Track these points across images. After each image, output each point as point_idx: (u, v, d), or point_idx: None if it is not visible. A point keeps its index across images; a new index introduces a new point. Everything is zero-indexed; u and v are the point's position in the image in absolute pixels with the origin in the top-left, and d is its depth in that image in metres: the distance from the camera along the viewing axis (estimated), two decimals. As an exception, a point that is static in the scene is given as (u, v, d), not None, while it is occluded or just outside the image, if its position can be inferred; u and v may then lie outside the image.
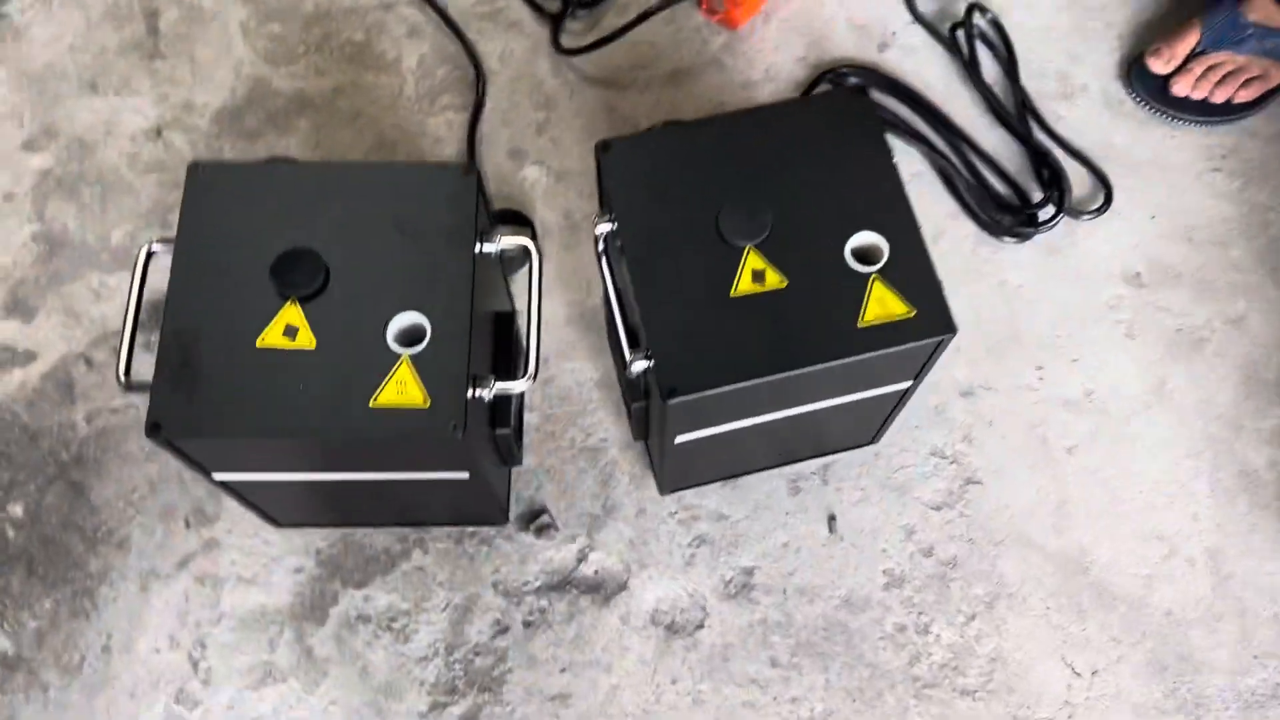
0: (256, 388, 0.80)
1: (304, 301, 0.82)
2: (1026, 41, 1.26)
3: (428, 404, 0.80)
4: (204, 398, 0.79)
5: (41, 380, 1.13)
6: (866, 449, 1.10)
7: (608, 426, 1.11)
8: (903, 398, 0.96)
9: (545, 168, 1.22)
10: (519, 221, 1.18)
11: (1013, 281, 1.17)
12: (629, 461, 1.10)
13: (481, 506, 1.03)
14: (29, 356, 1.14)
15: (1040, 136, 1.22)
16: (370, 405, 0.79)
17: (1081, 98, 1.25)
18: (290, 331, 0.82)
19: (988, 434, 1.11)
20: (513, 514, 1.08)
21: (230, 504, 1.08)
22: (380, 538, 1.07)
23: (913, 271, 0.83)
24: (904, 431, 1.11)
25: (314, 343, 0.81)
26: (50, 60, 1.28)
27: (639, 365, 0.83)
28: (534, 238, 1.18)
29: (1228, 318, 1.15)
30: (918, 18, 1.29)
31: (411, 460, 0.86)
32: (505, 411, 0.95)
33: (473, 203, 0.86)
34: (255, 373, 0.80)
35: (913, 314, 0.82)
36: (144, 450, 1.10)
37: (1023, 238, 1.17)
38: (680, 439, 0.90)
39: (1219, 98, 1.21)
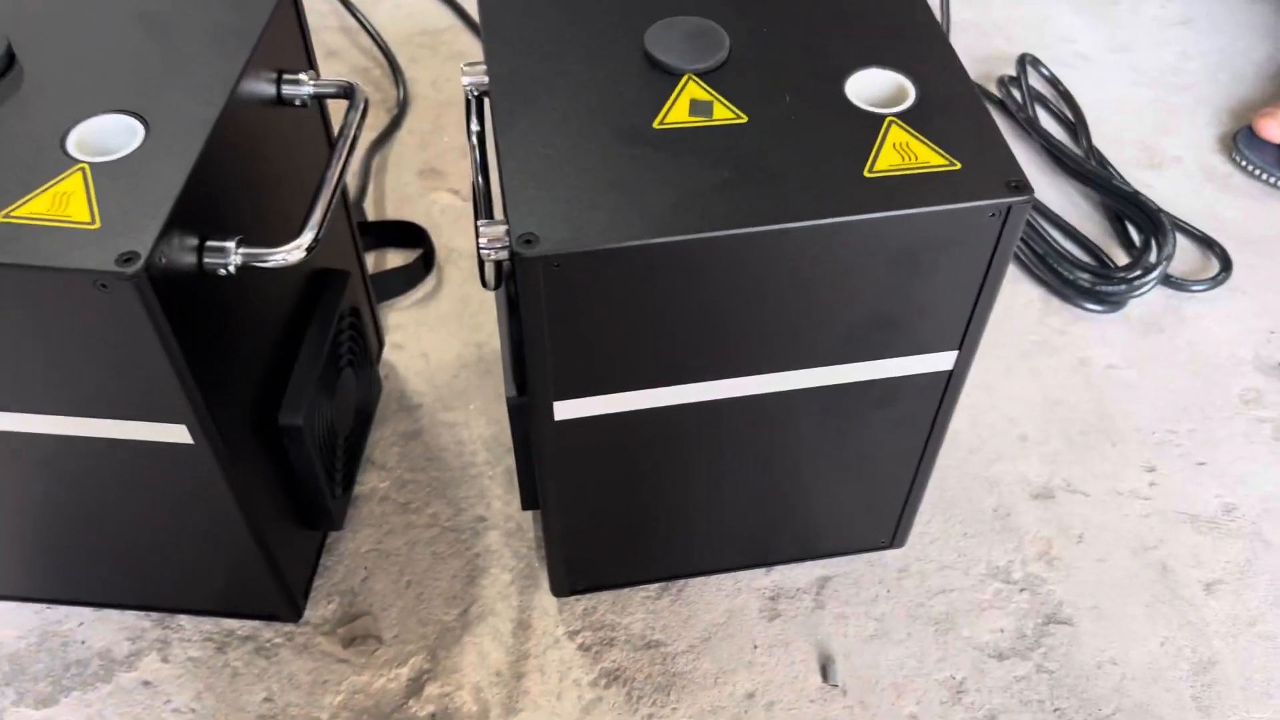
0: None
1: (-42, 92, 0.51)
2: (1096, 113, 0.99)
3: (96, 224, 0.45)
4: None
5: None
6: (885, 556, 0.70)
7: (491, 502, 0.73)
8: (940, 405, 0.58)
9: (463, 194, 0.93)
10: (412, 235, 0.87)
11: (1098, 360, 0.82)
12: (513, 553, 0.71)
13: (253, 583, 0.63)
14: None
15: (1123, 186, 0.91)
16: (-4, 218, 0.45)
17: (1174, 169, 0.96)
18: (-86, 123, 0.49)
19: (1077, 554, 0.71)
20: (314, 610, 0.68)
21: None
22: (102, 632, 0.67)
23: (955, 121, 0.50)
24: (945, 540, 0.71)
25: (-55, 137, 0.48)
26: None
27: (489, 242, 0.49)
28: (427, 263, 0.86)
29: None
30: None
31: (70, 356, 0.49)
32: (304, 400, 0.59)
33: (267, 10, 0.55)
34: None
35: (955, 166, 0.48)
36: None
37: (1110, 303, 0.84)
38: (563, 412, 0.53)
39: (1355, 168, 0.92)
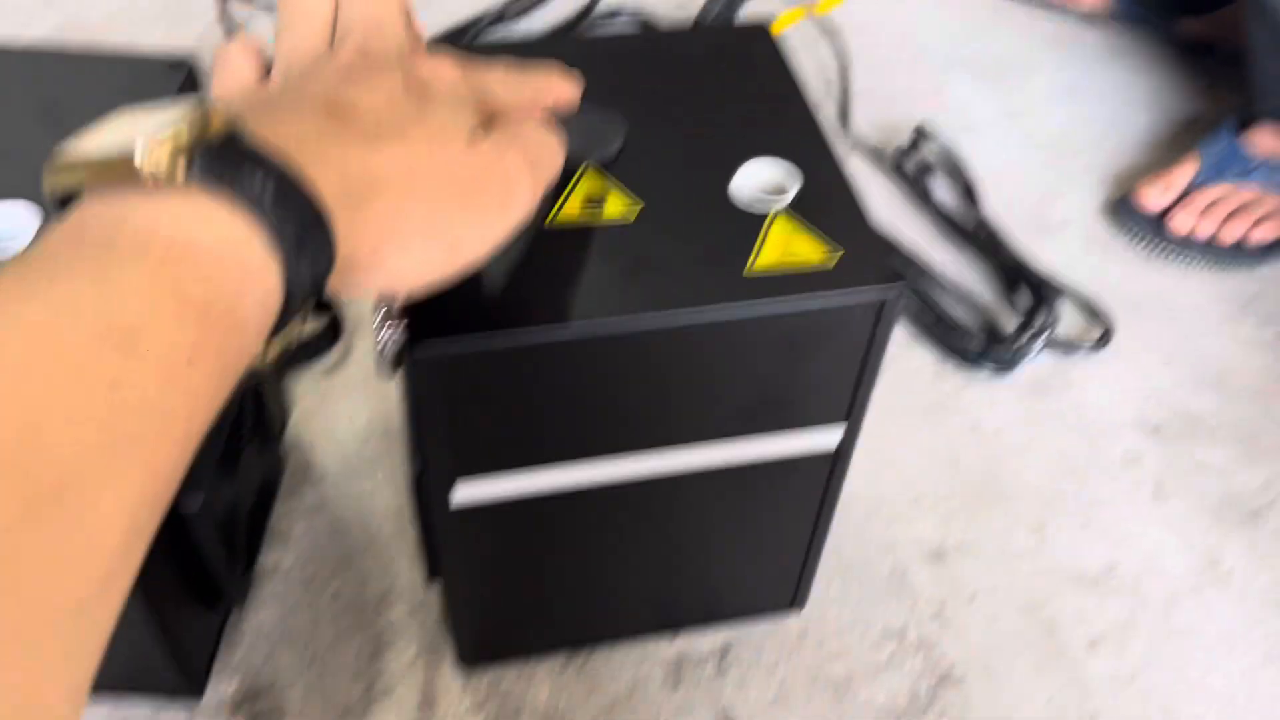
0: None
1: None
2: (990, 179, 1.04)
3: None
4: None
5: None
6: (786, 620, 0.72)
7: (397, 575, 0.74)
8: (830, 478, 0.61)
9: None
10: (318, 302, 0.88)
11: (989, 424, 0.85)
12: (420, 625, 0.71)
13: (153, 662, 0.63)
14: None
15: (1012, 253, 0.95)
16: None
17: (1061, 233, 1.01)
18: None
19: (969, 613, 0.74)
20: (215, 688, 0.67)
21: None
22: None
23: (834, 214, 0.53)
24: (844, 602, 0.74)
25: None
26: None
27: (382, 333, 0.50)
28: (334, 330, 0.87)
29: (1291, 483, 0.82)
30: (855, 143, 1.07)
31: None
32: (203, 483, 0.59)
33: (169, 98, 0.56)
34: None
35: (835, 257, 0.50)
36: None
37: (999, 366, 0.87)
38: (463, 494, 0.54)
39: (1229, 236, 0.97)
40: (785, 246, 0.51)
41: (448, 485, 0.54)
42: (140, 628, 0.59)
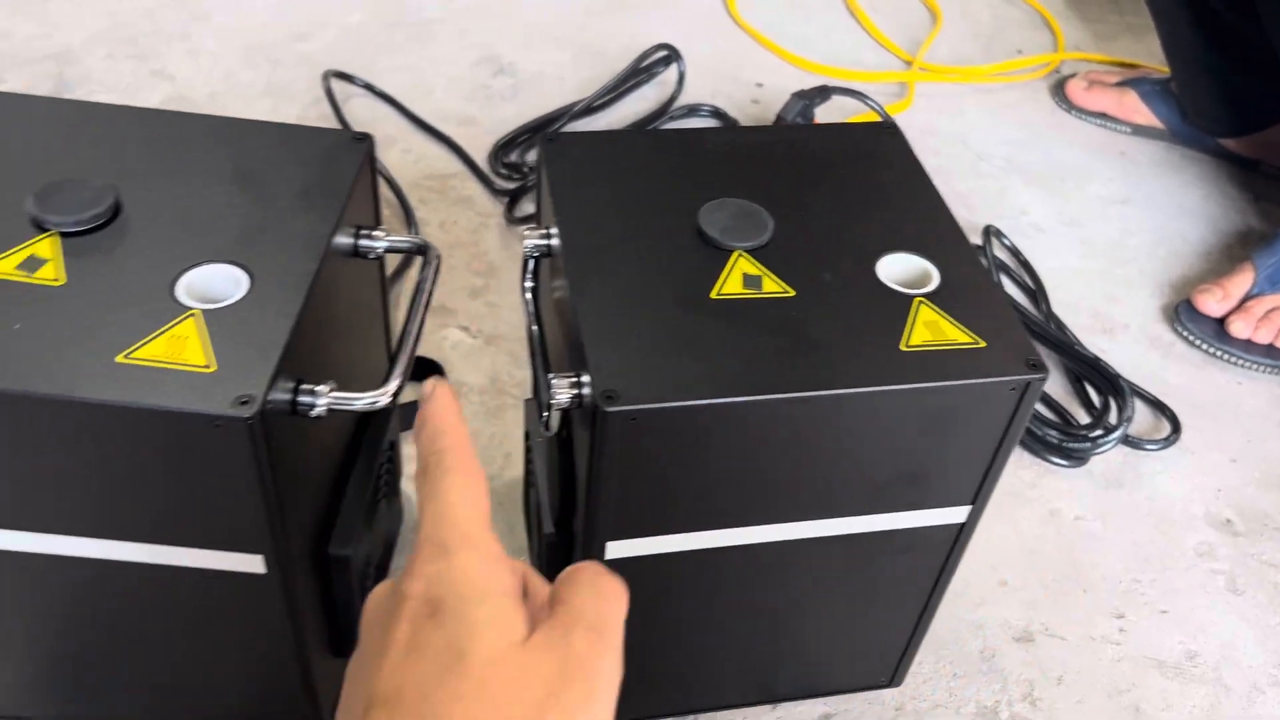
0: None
1: (69, 237, 0.54)
2: (1053, 279, 1.09)
3: (212, 367, 0.49)
4: None
5: None
6: (883, 695, 0.74)
7: (506, 633, 0.76)
8: (949, 557, 0.64)
9: (473, 332, 0.98)
10: (426, 369, 0.91)
11: (1067, 513, 0.88)
12: (530, 684, 0.73)
13: (287, 708, 0.65)
14: None
15: (1082, 350, 0.99)
16: (120, 358, 0.49)
17: (1124, 335, 1.05)
18: (32, 264, 0.53)
19: (1057, 695, 0.76)
20: (339, 736, 0.69)
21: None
22: (121, 756, 0.67)
23: (975, 302, 0.57)
24: (936, 679, 0.76)
25: (62, 279, 0.52)
26: None
27: (562, 393, 0.54)
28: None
29: (1359, 582, 0.85)
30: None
31: (173, 489, 0.52)
32: (354, 531, 0.62)
33: (354, 171, 0.61)
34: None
35: (980, 344, 0.54)
36: None
37: (1075, 458, 0.91)
38: (615, 548, 0.57)
39: (1288, 344, 1.02)
40: (933, 330, 0.55)
41: (602, 543, 0.57)
42: (285, 675, 0.62)
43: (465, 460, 0.37)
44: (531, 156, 1.16)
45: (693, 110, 1.23)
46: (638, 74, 1.25)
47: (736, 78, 1.34)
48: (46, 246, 0.54)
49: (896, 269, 0.59)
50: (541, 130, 1.18)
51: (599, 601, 0.35)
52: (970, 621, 0.80)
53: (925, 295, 0.57)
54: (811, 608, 0.66)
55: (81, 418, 0.48)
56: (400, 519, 0.80)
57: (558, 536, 0.64)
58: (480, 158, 1.15)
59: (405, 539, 0.80)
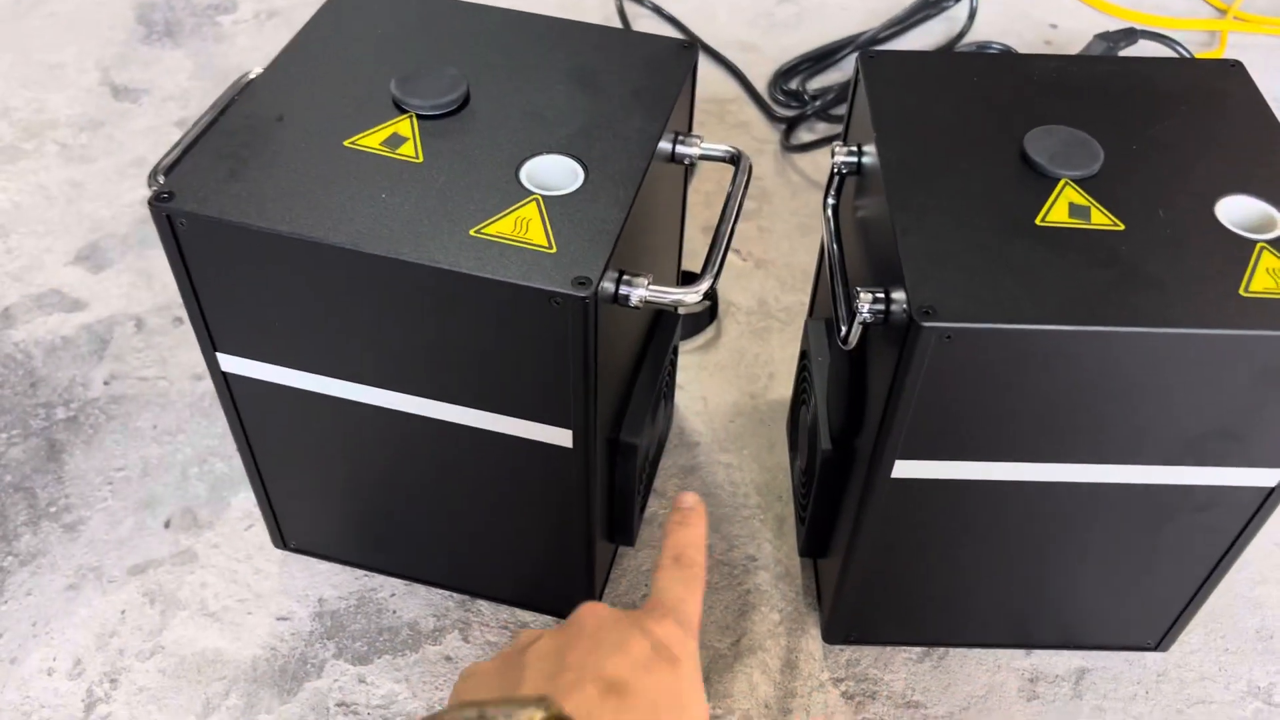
0: (319, 182, 0.55)
1: (424, 119, 0.59)
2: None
3: (552, 249, 0.52)
4: (249, 177, 0.55)
5: (77, 330, 0.91)
6: (1145, 659, 0.72)
7: (761, 544, 0.78)
8: (1250, 522, 0.61)
9: (744, 254, 0.99)
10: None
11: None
12: (783, 596, 0.75)
13: (560, 584, 0.69)
14: (77, 305, 0.93)
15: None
16: (472, 233, 0.53)
17: None
18: (394, 141, 0.58)
19: (1341, 687, 0.71)
20: (603, 616, 0.74)
21: (232, 511, 0.78)
22: (411, 605, 0.74)
23: (1326, 255, 0.53)
24: (1205, 651, 0.73)
25: (420, 157, 0.57)
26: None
27: (868, 307, 0.54)
28: (712, 313, 0.93)
29: None
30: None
31: (502, 359, 0.56)
32: (642, 422, 0.65)
33: (681, 76, 0.63)
34: (328, 165, 0.56)
35: (1332, 299, 0.51)
36: (154, 429, 0.84)
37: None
38: (904, 468, 0.58)
39: None
40: (1276, 279, 0.52)
41: (890, 461, 0.57)
42: (569, 551, 0.66)
43: (704, 578, 0.51)
44: (813, 84, 1.15)
45: (981, 48, 1.19)
46: (926, 7, 1.22)
47: (1029, 15, 1.28)
48: (405, 126, 0.58)
49: (1237, 212, 0.56)
50: (825, 59, 1.17)
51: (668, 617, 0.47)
52: (1249, 598, 0.76)
53: (1269, 241, 0.54)
54: (1089, 556, 0.65)
55: (436, 284, 0.52)
56: (671, 422, 0.83)
57: (835, 454, 0.65)
58: (760, 84, 1.16)
59: (668, 446, 0.83)
